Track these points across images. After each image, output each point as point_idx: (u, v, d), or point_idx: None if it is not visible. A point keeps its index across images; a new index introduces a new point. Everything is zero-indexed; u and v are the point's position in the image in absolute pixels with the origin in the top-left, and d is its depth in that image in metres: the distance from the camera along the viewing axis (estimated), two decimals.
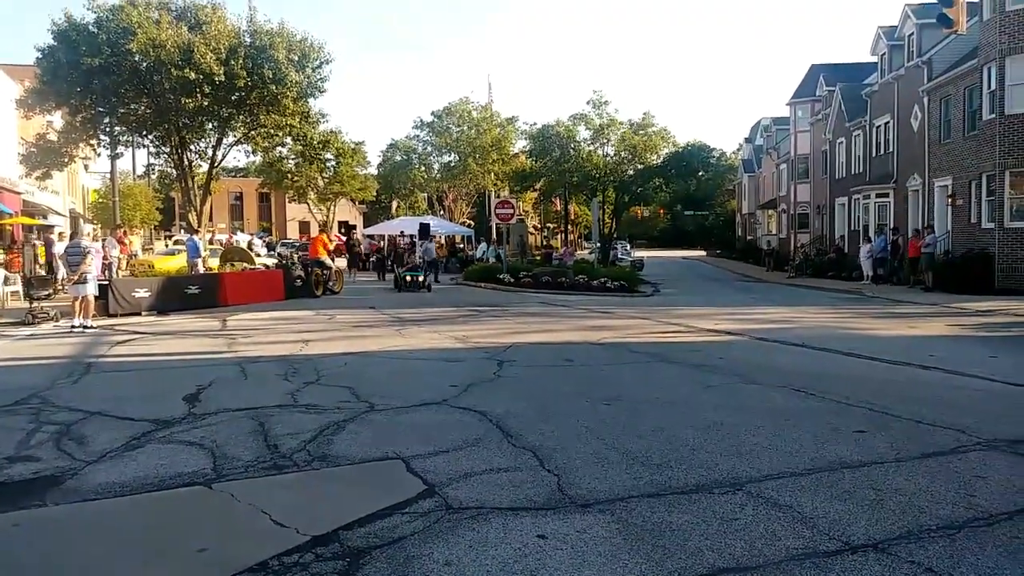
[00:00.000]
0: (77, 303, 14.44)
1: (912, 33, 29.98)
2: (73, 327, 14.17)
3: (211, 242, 34.50)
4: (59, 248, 18.54)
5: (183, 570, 3.92)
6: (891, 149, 32.69)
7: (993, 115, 22.62)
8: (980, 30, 23.34)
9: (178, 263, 26.80)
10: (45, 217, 38.40)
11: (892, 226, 30.70)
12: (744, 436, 6.23)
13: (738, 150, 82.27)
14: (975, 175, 24.49)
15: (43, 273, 20.68)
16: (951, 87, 26.84)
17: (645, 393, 8.14)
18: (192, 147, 31.29)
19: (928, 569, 3.77)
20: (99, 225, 41.62)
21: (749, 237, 64.94)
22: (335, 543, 4.12)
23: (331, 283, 22.75)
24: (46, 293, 15.72)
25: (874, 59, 34.89)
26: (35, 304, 15.48)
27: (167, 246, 39.23)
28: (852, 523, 4.36)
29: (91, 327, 14.25)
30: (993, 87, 22.63)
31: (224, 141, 31.50)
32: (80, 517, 4.67)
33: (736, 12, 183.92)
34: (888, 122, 32.97)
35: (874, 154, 34.85)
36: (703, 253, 76.13)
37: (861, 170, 36.49)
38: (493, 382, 8.82)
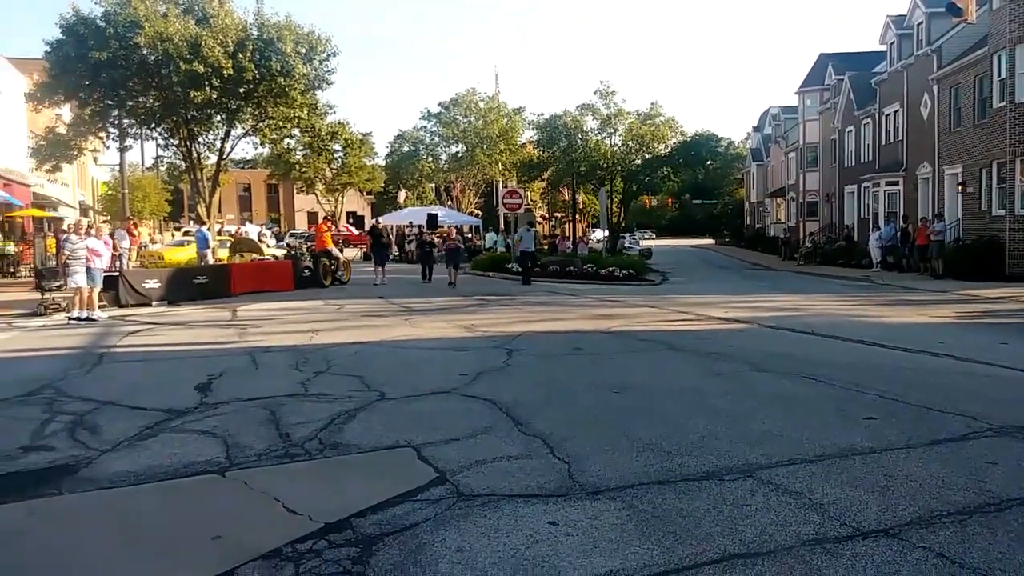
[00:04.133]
0: (74, 296, 14.57)
1: (921, 22, 29.78)
2: (69, 319, 14.28)
3: (220, 233, 34.60)
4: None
5: (198, 557, 3.95)
6: (900, 137, 32.53)
7: (1003, 103, 22.45)
8: (989, 18, 23.16)
9: (188, 254, 26.91)
10: (55, 209, 38.57)
11: (902, 214, 30.56)
12: (754, 423, 6.23)
13: (746, 139, 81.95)
14: (985, 163, 24.34)
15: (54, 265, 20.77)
16: (961, 75, 26.66)
17: (654, 381, 8.14)
18: (200, 139, 31.37)
19: (939, 554, 3.77)
20: (109, 216, 41.77)
21: (758, 225, 64.69)
22: (348, 530, 4.15)
23: (339, 273, 22.84)
24: (57, 284, 15.78)
25: (883, 48, 34.67)
26: (47, 295, 15.57)
27: (173, 236, 39.38)
28: (863, 509, 4.36)
29: (84, 318, 14.23)
30: (1003, 75, 22.46)
31: (232, 133, 31.55)
32: (95, 505, 4.72)
33: (744, 1, 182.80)
34: (897, 110, 32.79)
35: (883, 142, 34.68)
36: (712, 242, 75.86)
37: (870, 158, 36.31)
38: (502, 370, 8.83)
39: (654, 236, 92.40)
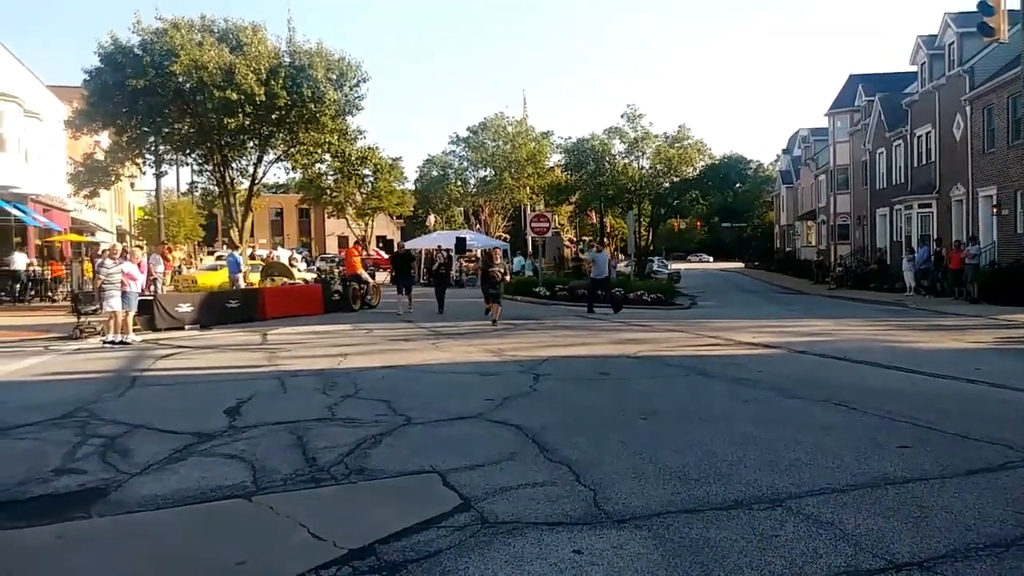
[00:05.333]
0: (108, 320, 14.82)
1: (952, 42, 29.54)
2: (103, 342, 14.51)
3: (252, 257, 35.04)
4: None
5: None
6: (933, 159, 32.18)
7: None
8: (1022, 38, 22.88)
9: (221, 278, 27.26)
10: (93, 234, 39.37)
11: (935, 237, 30.14)
12: (784, 451, 6.14)
13: (776, 161, 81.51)
14: (1020, 184, 23.98)
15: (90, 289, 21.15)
16: (994, 96, 26.35)
17: (682, 407, 8.06)
18: (234, 165, 31.86)
19: None
20: (145, 241, 42.52)
21: (788, 249, 64.17)
22: (372, 556, 4.14)
23: (368, 297, 22.98)
24: (93, 308, 16.05)
25: (914, 68, 34.43)
26: (82, 319, 15.84)
27: (201, 261, 39.91)
28: (896, 541, 4.26)
29: (118, 342, 14.47)
30: None
31: (265, 159, 32.02)
32: (122, 529, 4.76)
33: (772, 23, 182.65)
34: (929, 132, 32.46)
35: (915, 164, 34.31)
36: (741, 265, 75.31)
37: (902, 180, 35.92)
38: (529, 396, 8.80)
39: (711, 260, 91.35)
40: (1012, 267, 23.37)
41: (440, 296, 21.46)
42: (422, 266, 38.51)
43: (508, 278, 19.20)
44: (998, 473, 5.52)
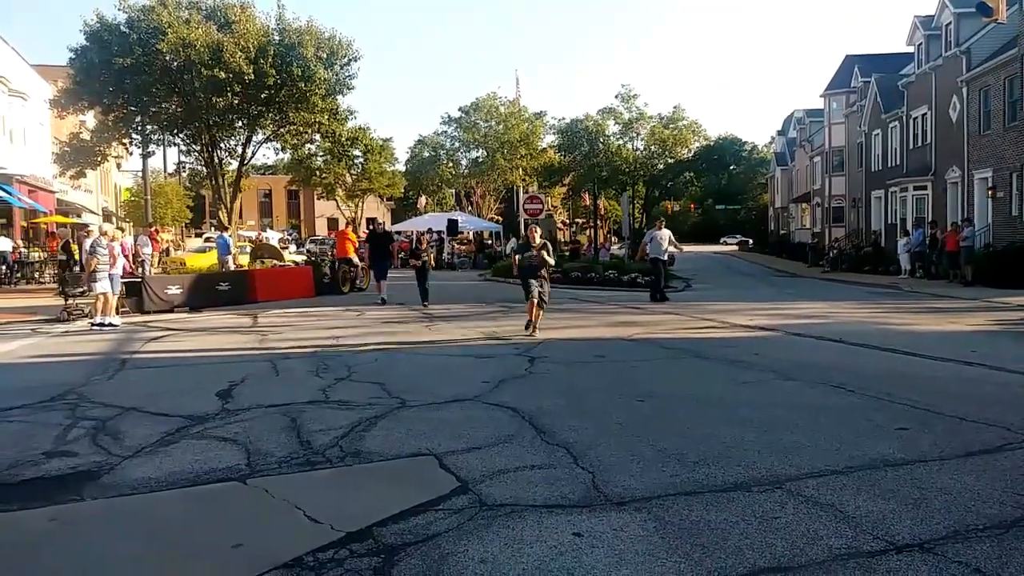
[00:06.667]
0: (96, 301, 14.68)
1: (950, 22, 29.42)
2: (92, 324, 14.37)
3: (240, 239, 34.81)
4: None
5: (219, 565, 3.91)
6: (929, 141, 32.15)
7: None
8: (1020, 18, 22.81)
9: (210, 260, 27.09)
10: (79, 215, 39.07)
11: (930, 219, 30.17)
12: (782, 433, 6.11)
13: (770, 143, 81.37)
14: (1016, 167, 23.97)
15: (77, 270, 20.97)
16: (991, 77, 26.29)
17: (679, 389, 8.03)
18: (222, 145, 31.58)
19: (976, 570, 3.65)
20: (131, 222, 42.21)
21: (782, 231, 64.17)
22: (369, 539, 4.09)
23: (359, 280, 22.86)
24: (80, 290, 15.91)
25: (910, 49, 34.32)
26: (70, 301, 15.70)
27: (182, 242, 39.67)
28: (896, 522, 4.24)
29: (107, 324, 14.32)
30: None
31: (253, 139, 31.77)
32: (116, 512, 4.70)
33: (768, 2, 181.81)
34: (925, 113, 32.41)
35: (911, 146, 34.28)
36: (735, 248, 75.31)
37: (898, 162, 35.91)
38: (525, 378, 8.75)
39: (750, 242, 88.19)
40: (1007, 250, 23.41)
41: (422, 286, 18.34)
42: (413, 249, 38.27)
43: (551, 265, 13.40)
44: (996, 455, 5.51)
